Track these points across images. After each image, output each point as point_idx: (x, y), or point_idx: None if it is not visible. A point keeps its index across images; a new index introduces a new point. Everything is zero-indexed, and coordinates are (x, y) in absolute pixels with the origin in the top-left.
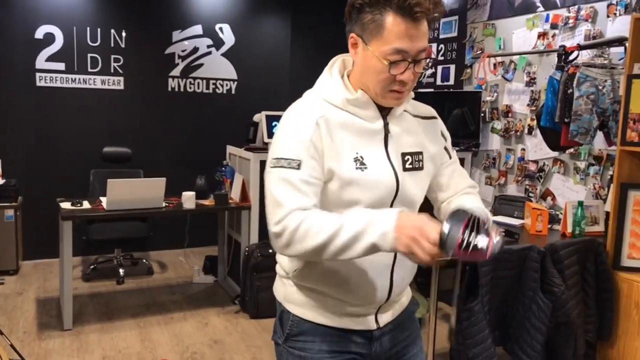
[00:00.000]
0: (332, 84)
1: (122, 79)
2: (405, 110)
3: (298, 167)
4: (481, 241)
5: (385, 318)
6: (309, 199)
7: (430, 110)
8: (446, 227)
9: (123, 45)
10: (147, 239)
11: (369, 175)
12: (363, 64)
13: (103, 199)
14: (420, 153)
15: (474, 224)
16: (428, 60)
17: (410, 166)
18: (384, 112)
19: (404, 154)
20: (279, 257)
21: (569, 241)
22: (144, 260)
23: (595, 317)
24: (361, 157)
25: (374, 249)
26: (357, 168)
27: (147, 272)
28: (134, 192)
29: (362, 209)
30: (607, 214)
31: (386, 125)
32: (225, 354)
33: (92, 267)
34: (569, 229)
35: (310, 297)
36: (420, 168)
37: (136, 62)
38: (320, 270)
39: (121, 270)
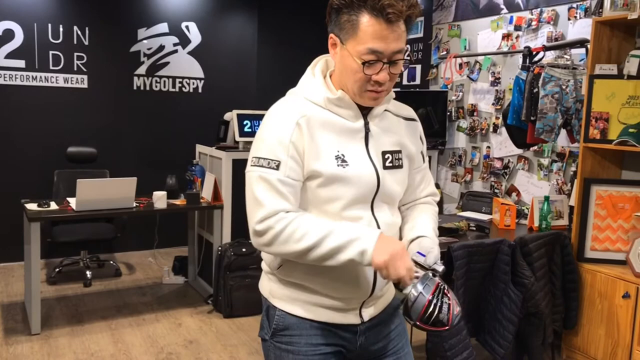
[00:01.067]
0: (314, 84)
1: (85, 77)
2: (387, 110)
3: (277, 167)
4: (443, 314)
5: (370, 312)
6: (287, 201)
7: (411, 113)
8: (414, 292)
9: (87, 43)
10: (114, 240)
11: (351, 172)
12: (341, 64)
13: (71, 200)
14: (400, 151)
15: (440, 292)
16: (405, 61)
17: (391, 164)
18: (365, 111)
19: (384, 152)
20: (264, 254)
21: (536, 235)
22: (111, 262)
23: (561, 306)
24: (342, 154)
25: (351, 263)
26: (338, 165)
27: (114, 274)
28: (104, 193)
29: (348, 223)
30: (571, 208)
31: (367, 124)
32: (202, 353)
33: (57, 270)
34: (536, 223)
35: (295, 292)
36: (400, 166)
37: (100, 60)
38: (305, 266)
39: (88, 273)
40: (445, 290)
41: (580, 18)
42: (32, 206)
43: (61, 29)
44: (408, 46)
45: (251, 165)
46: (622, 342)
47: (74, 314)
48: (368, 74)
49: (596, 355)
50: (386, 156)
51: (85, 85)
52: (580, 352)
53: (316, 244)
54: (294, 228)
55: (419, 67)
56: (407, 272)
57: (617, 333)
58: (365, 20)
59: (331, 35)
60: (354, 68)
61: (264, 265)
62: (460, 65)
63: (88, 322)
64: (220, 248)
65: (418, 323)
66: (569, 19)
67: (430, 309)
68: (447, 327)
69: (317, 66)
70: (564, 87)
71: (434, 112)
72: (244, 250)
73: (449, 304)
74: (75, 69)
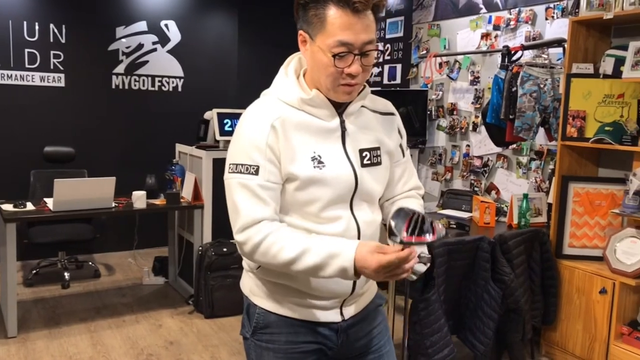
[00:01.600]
0: (287, 84)
1: (62, 75)
2: (363, 106)
3: (256, 172)
4: (427, 227)
5: (351, 311)
6: (268, 207)
7: (388, 106)
8: (394, 219)
9: (63, 41)
10: (92, 241)
11: (328, 173)
12: (312, 60)
13: (48, 200)
14: (378, 148)
15: (418, 217)
16: (377, 52)
17: (369, 162)
18: (340, 109)
19: (361, 150)
20: None
21: (516, 232)
22: (90, 263)
23: (540, 303)
24: (319, 155)
25: (335, 277)
26: (315, 167)
27: (93, 275)
28: (82, 193)
29: (324, 237)
30: (550, 205)
31: (342, 122)
32: (183, 354)
33: (34, 271)
34: (515, 221)
35: (276, 290)
36: (379, 163)
37: (78, 58)
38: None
39: (66, 274)
40: (425, 218)
41: (557, 18)
42: (7, 207)
43: (37, 27)
44: (388, 46)
45: (229, 172)
46: (599, 336)
47: (51, 316)
48: (340, 67)
49: (574, 350)
50: (364, 154)
51: (62, 84)
52: (559, 348)
53: (294, 259)
54: (271, 241)
55: (399, 67)
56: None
57: (595, 328)
58: (332, 13)
59: (300, 31)
60: (325, 62)
61: (244, 263)
62: (440, 64)
63: (66, 324)
64: (200, 248)
65: (404, 239)
66: (546, 19)
67: (413, 223)
68: (434, 238)
69: (290, 65)
70: (542, 85)
71: (415, 112)
72: (224, 250)
73: (431, 221)
74: (52, 67)
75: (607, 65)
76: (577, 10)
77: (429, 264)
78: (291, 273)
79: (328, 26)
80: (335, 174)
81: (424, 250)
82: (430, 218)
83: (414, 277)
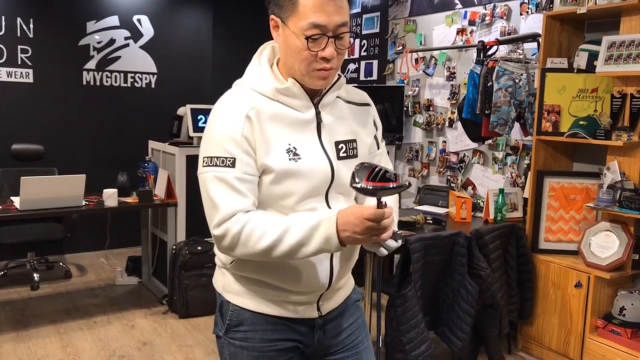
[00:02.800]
0: (261, 73)
1: (31, 71)
2: (338, 97)
3: (232, 164)
4: (390, 175)
5: (328, 306)
6: (246, 199)
7: (364, 97)
8: (356, 170)
9: (31, 36)
10: (63, 240)
11: (303, 165)
12: (285, 45)
13: (15, 199)
14: (354, 141)
15: (381, 169)
16: (351, 35)
17: (345, 154)
18: (316, 100)
19: (337, 143)
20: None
21: (492, 227)
22: (61, 264)
23: (517, 297)
24: (294, 147)
25: (320, 252)
26: (290, 159)
27: (64, 276)
28: (51, 191)
29: (303, 213)
30: (525, 200)
31: (318, 114)
32: (156, 355)
33: (1, 273)
34: (491, 216)
35: (250, 286)
36: (355, 156)
37: (47, 53)
38: (259, 260)
39: (36, 275)
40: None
41: (532, 13)
42: None
43: (3, 21)
44: (365, 42)
45: (204, 166)
46: (574, 330)
47: (19, 318)
48: (314, 51)
49: (550, 344)
50: (340, 146)
51: (30, 80)
52: (535, 342)
53: (276, 241)
54: (251, 228)
55: (375, 63)
56: (374, 217)
57: (570, 322)
58: None
59: (272, 16)
60: (299, 46)
61: (217, 259)
62: (416, 60)
63: (35, 326)
64: (174, 247)
65: (366, 185)
66: (521, 14)
67: (375, 172)
68: (396, 184)
69: (263, 54)
70: (517, 80)
71: (391, 108)
72: (199, 248)
73: (394, 173)
74: (20, 62)
75: (581, 60)
76: (551, 5)
77: (400, 242)
78: (272, 258)
79: (300, 8)
80: (311, 166)
81: (395, 229)
82: (395, 172)
83: (385, 253)
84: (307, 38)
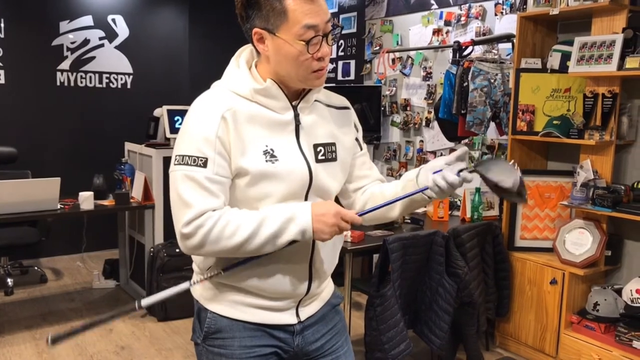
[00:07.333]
0: (239, 75)
1: (2, 72)
2: (317, 100)
3: (204, 164)
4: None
5: (307, 312)
6: (217, 199)
7: (343, 101)
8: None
9: (2, 36)
10: (38, 244)
11: (280, 167)
12: (277, 55)
13: None
14: (333, 144)
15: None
16: (335, 29)
17: (323, 157)
18: (294, 102)
19: (316, 145)
20: (194, 255)
21: (469, 225)
22: (36, 268)
23: (494, 295)
24: (271, 149)
25: (291, 244)
26: (267, 161)
27: (40, 281)
28: (25, 194)
29: (276, 205)
30: (501, 199)
31: (297, 116)
32: (135, 359)
33: None
34: (468, 214)
35: (227, 293)
36: (334, 159)
37: (19, 54)
38: (224, 256)
39: (9, 280)
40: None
41: (506, 14)
42: None
43: None
44: (342, 42)
45: (175, 164)
46: (550, 326)
47: None
48: (313, 53)
49: (527, 340)
50: (318, 149)
51: (2, 81)
52: (512, 339)
53: (251, 235)
54: (224, 224)
55: (353, 63)
56: (351, 220)
57: (546, 318)
58: (291, 1)
59: (255, 30)
60: (295, 53)
61: (194, 265)
62: (393, 60)
63: (9, 332)
64: (152, 249)
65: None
66: (495, 15)
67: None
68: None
69: (241, 56)
70: (492, 80)
71: (369, 108)
72: (177, 250)
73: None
74: None
75: (554, 60)
76: (525, 7)
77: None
78: (241, 253)
79: (290, 14)
80: (288, 169)
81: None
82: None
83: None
84: (307, 42)
